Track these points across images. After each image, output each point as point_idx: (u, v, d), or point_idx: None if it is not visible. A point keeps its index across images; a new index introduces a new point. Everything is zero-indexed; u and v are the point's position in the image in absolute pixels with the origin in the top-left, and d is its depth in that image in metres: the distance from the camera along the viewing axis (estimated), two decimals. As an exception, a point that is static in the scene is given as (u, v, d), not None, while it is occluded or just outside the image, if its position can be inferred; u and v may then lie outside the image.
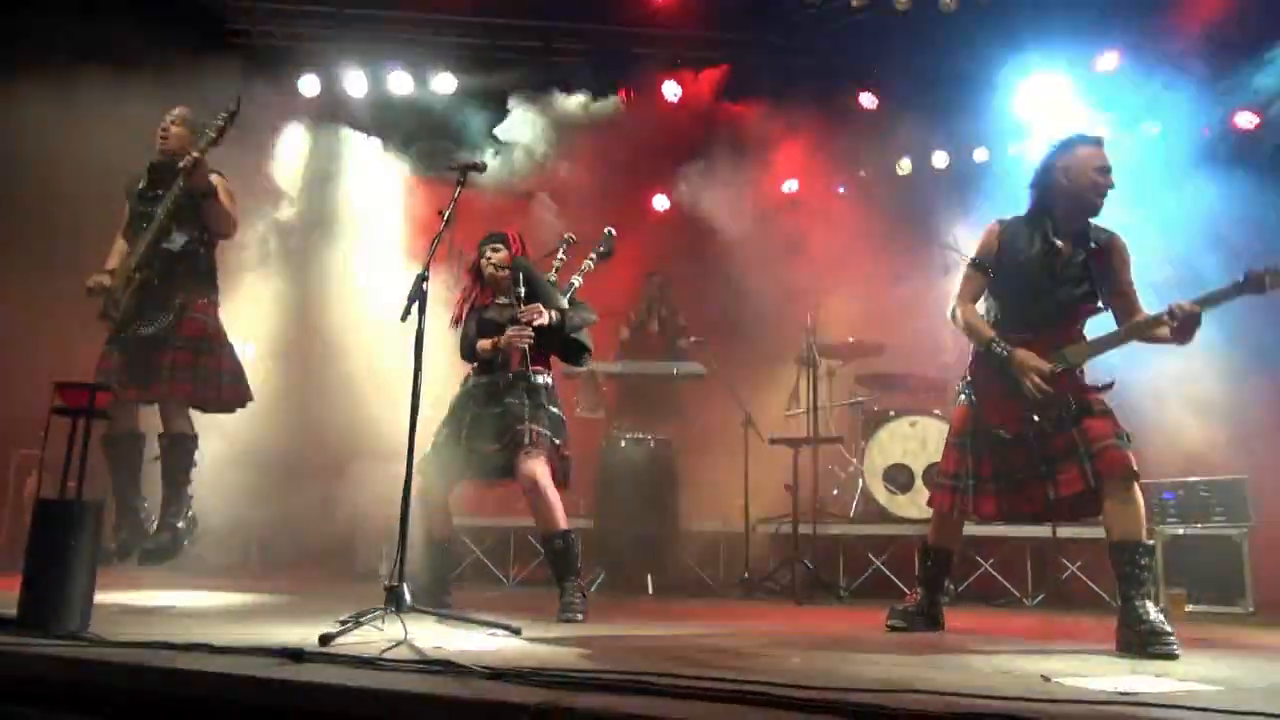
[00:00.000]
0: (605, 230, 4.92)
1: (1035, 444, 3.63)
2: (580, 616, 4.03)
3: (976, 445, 3.77)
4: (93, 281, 4.46)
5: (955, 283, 3.93)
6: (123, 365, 4.35)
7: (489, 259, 4.55)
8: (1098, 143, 3.74)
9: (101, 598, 3.18)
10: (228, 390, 4.53)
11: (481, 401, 4.38)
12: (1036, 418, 3.59)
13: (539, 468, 4.17)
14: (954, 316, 3.86)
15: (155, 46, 6.58)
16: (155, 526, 4.41)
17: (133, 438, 4.47)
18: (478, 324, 4.50)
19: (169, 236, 4.37)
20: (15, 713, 2.39)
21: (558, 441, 4.32)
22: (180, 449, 4.44)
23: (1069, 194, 3.69)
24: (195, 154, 4.26)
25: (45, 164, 6.23)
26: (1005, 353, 3.64)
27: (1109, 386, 3.67)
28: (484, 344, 4.41)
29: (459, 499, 6.51)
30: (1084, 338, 3.72)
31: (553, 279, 4.72)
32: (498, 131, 7.98)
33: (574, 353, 4.54)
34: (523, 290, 4.36)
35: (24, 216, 6.33)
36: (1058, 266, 3.68)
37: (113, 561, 4.26)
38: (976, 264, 3.83)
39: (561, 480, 4.35)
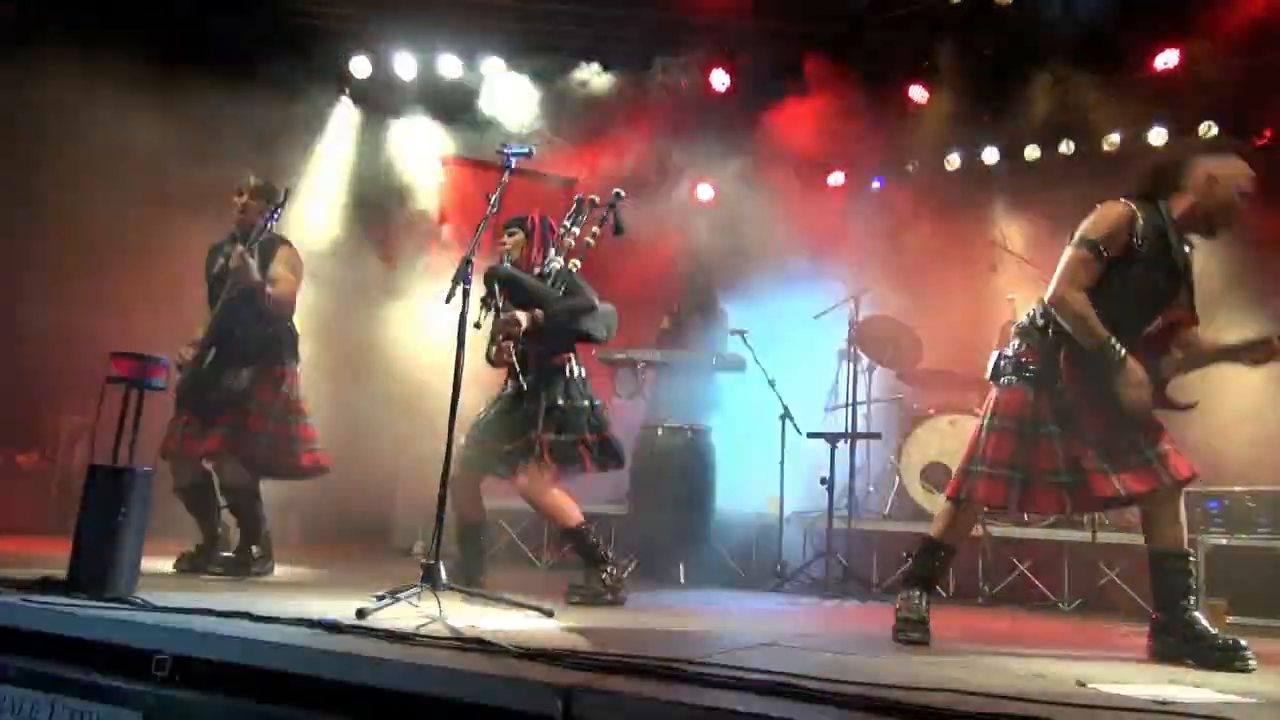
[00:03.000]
0: (613, 192, 4.67)
1: (1103, 438, 3.36)
2: (577, 599, 4.11)
3: (1037, 434, 3.41)
4: (178, 354, 4.62)
5: (1065, 264, 3.37)
6: (187, 424, 4.53)
7: (504, 245, 4.54)
8: (1251, 157, 3.40)
9: (148, 564, 3.26)
10: (302, 456, 4.68)
11: (504, 403, 4.45)
12: (1119, 429, 3.34)
13: (528, 482, 4.25)
14: (1061, 302, 3.32)
15: (210, 27, 6.69)
16: (234, 548, 4.61)
17: (200, 483, 4.64)
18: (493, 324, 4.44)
19: (236, 322, 4.54)
20: (63, 672, 2.46)
21: (573, 436, 4.31)
22: (243, 499, 4.60)
23: (1203, 204, 3.34)
24: (236, 257, 4.40)
25: (99, 143, 6.36)
26: (1120, 359, 3.26)
27: (1191, 406, 3.42)
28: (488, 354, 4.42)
29: (493, 483, 6.61)
30: (1171, 350, 3.47)
31: (570, 243, 4.61)
32: (543, 116, 8.00)
33: (579, 341, 4.49)
34: (500, 301, 4.28)
35: (83, 194, 6.46)
36: (1177, 268, 3.35)
37: (184, 567, 4.43)
38: (1100, 251, 3.30)
39: (596, 463, 4.38)
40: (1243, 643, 3.14)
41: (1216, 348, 3.45)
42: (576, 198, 4.78)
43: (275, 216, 4.50)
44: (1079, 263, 3.33)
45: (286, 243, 4.73)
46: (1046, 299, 3.40)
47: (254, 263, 4.47)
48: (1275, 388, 5.95)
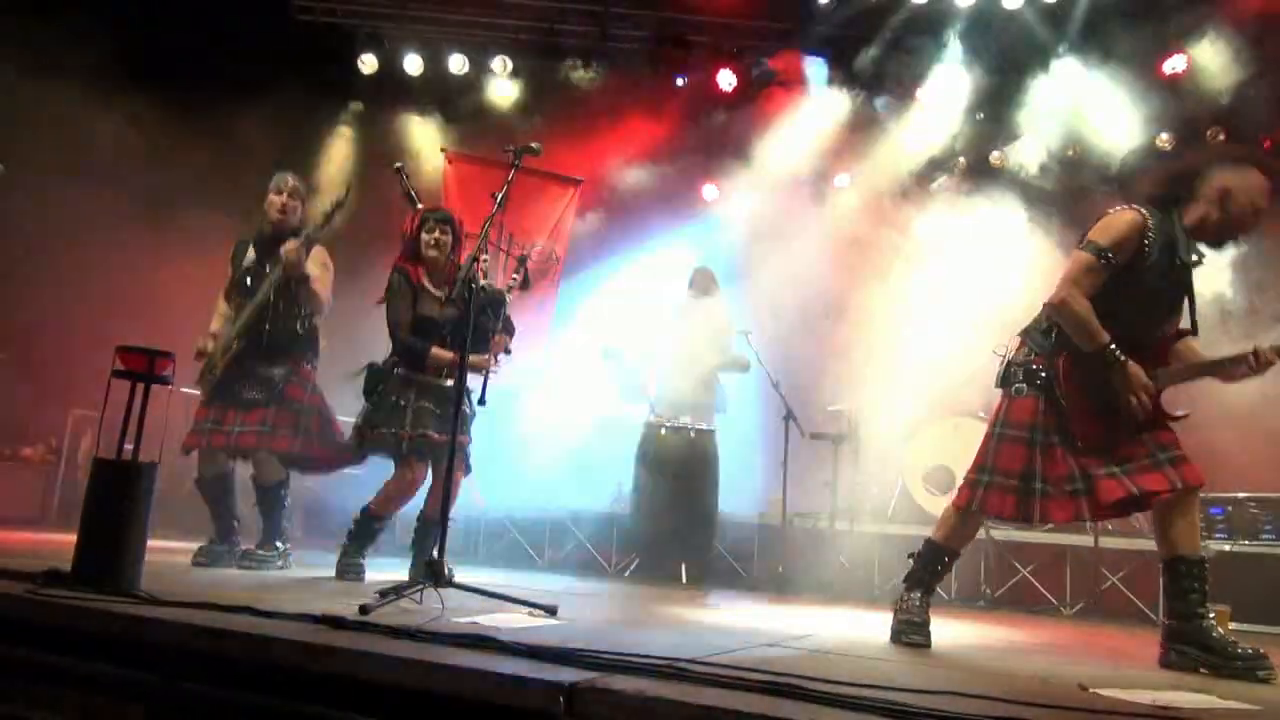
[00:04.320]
0: (519, 255, 4.76)
1: (1113, 444, 3.33)
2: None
3: (1048, 442, 3.36)
4: (197, 345, 4.69)
5: (1070, 267, 3.32)
6: (218, 420, 4.60)
7: (435, 239, 4.47)
8: (1272, 171, 3.30)
9: (152, 558, 3.27)
10: (329, 449, 4.77)
11: (428, 396, 4.41)
12: (1115, 438, 3.31)
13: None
14: (1063, 305, 3.27)
15: (222, 26, 6.72)
16: (256, 544, 4.67)
17: (221, 477, 4.71)
18: (414, 316, 4.40)
19: (276, 318, 4.62)
20: (68, 665, 2.47)
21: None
22: (270, 496, 4.69)
23: (1215, 216, 3.27)
24: (292, 247, 4.50)
25: (106, 139, 6.38)
26: (1119, 363, 3.22)
27: (1184, 417, 3.41)
28: (443, 355, 4.35)
29: (495, 480, 6.62)
30: (1168, 361, 3.43)
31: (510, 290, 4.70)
32: (547, 114, 8.02)
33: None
34: (499, 325, 4.36)
35: (91, 189, 6.49)
36: (1183, 280, 3.32)
37: (203, 563, 4.49)
38: (1107, 258, 3.23)
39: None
40: (1263, 652, 3.11)
41: (1201, 362, 3.41)
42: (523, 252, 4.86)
43: (338, 210, 4.56)
44: (1084, 267, 3.27)
45: (318, 243, 4.78)
46: (1048, 301, 3.36)
47: (305, 256, 4.55)
48: (1268, 389, 5.95)
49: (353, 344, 5.09)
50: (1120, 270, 3.26)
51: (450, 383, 4.35)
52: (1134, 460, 3.32)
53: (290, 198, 4.71)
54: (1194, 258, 3.34)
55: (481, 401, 4.01)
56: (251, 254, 4.76)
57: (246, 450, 4.61)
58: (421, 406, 4.36)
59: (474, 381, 4.15)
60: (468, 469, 4.59)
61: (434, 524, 4.41)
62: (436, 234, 4.49)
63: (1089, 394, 3.31)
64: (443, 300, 4.41)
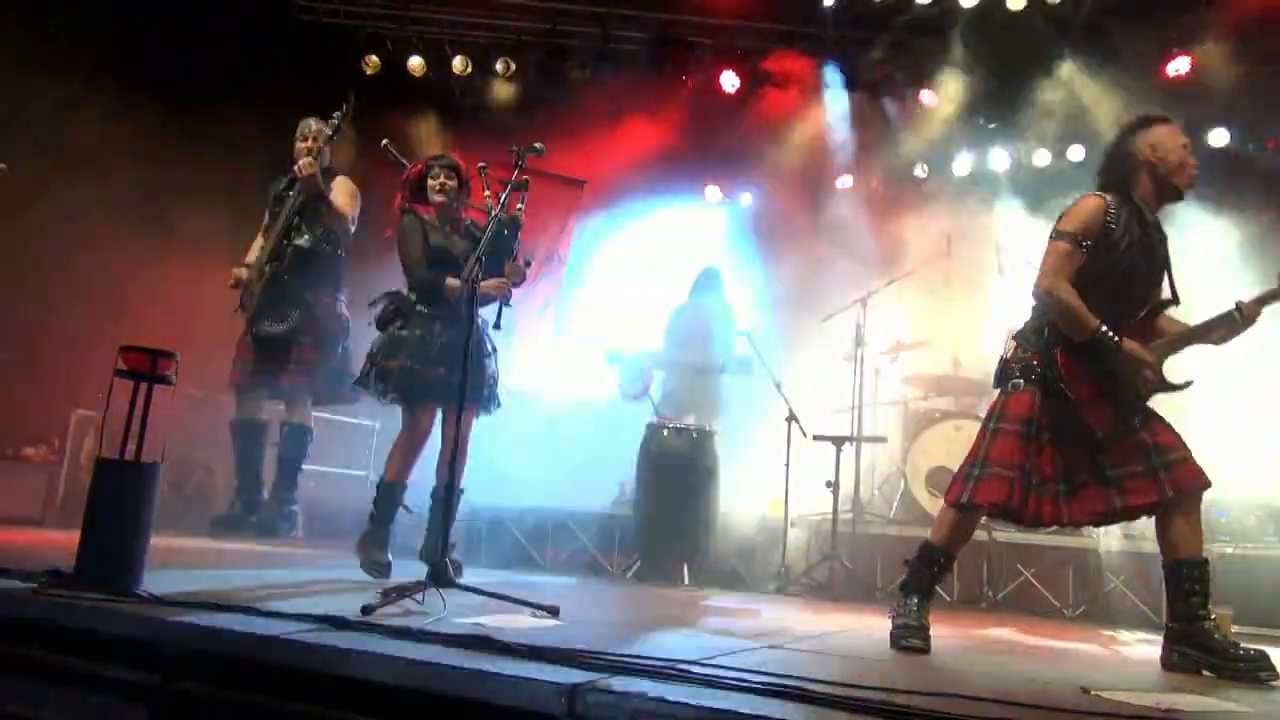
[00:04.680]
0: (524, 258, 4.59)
1: (1107, 445, 3.34)
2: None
3: (1040, 439, 3.39)
4: (233, 275, 4.90)
5: (1047, 257, 3.40)
6: (254, 357, 4.77)
7: (441, 184, 4.45)
8: (1171, 122, 3.48)
9: (155, 558, 3.27)
10: (337, 386, 4.87)
11: (443, 329, 4.31)
12: (1133, 420, 3.32)
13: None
14: (1048, 294, 3.34)
15: (223, 25, 6.72)
16: (265, 505, 4.69)
17: (255, 424, 4.85)
18: (424, 247, 4.36)
19: (299, 235, 4.80)
20: (70, 665, 2.47)
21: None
22: (295, 439, 4.71)
23: (1156, 175, 3.41)
24: (306, 162, 4.76)
25: (108, 138, 6.39)
26: (1114, 343, 3.25)
27: (1188, 385, 3.40)
28: (454, 283, 4.24)
29: (498, 480, 6.62)
30: (1158, 334, 3.46)
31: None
32: (549, 116, 8.01)
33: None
34: (516, 245, 4.27)
35: (94, 187, 6.50)
36: (1155, 253, 3.42)
37: (222, 528, 4.51)
38: (1079, 241, 3.33)
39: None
40: (1266, 653, 3.11)
41: (1187, 330, 3.44)
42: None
43: (339, 120, 4.87)
44: (1061, 254, 3.36)
45: (343, 175, 5.04)
46: (1033, 292, 3.42)
47: (319, 175, 4.77)
48: (1271, 392, 5.98)
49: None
50: (1094, 252, 3.34)
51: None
52: (1129, 465, 3.32)
53: (314, 141, 4.97)
54: (1162, 230, 3.44)
55: (496, 326, 4.00)
56: (281, 187, 5.01)
57: (279, 389, 4.69)
58: (443, 343, 4.28)
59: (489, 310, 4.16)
60: (495, 406, 4.51)
61: (399, 487, 4.38)
62: (442, 179, 4.48)
63: (1095, 381, 3.32)
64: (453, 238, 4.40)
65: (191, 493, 6.46)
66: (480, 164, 4.53)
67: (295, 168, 4.73)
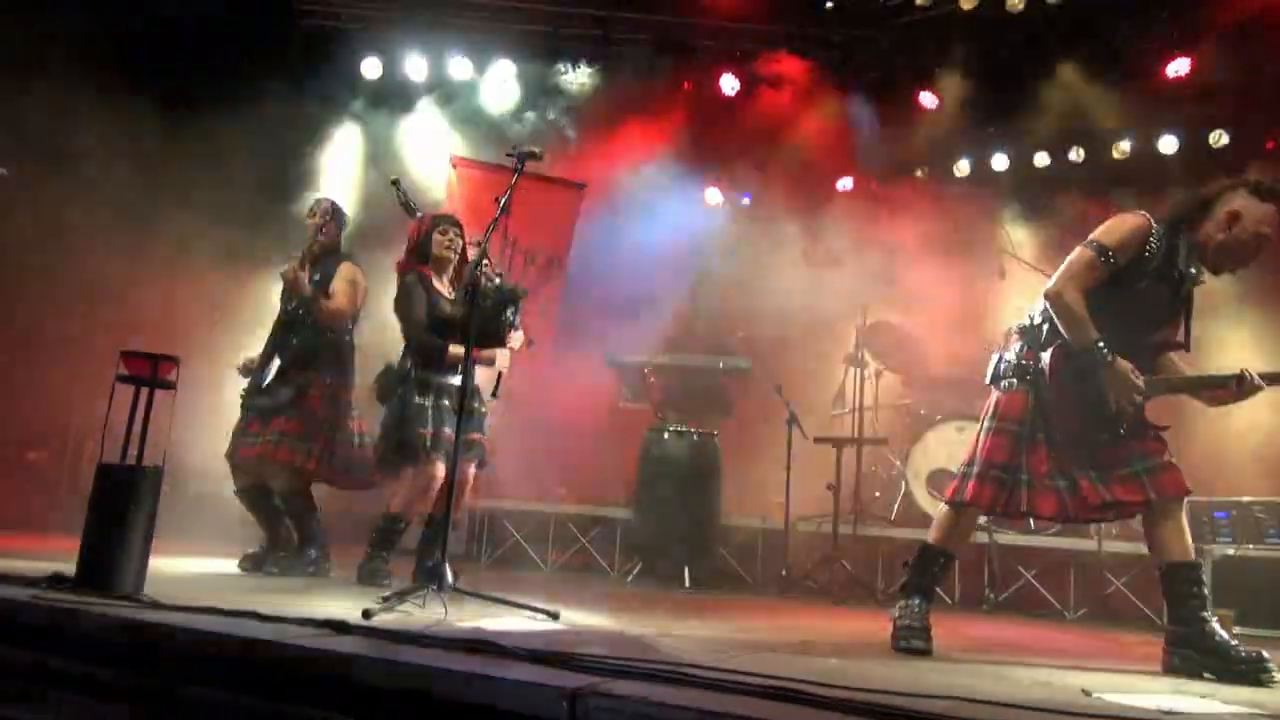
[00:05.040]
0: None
1: (1095, 448, 3.36)
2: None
3: (1033, 438, 3.41)
4: (241, 364, 5.00)
5: (1070, 262, 3.34)
6: (248, 429, 4.78)
7: (449, 240, 4.58)
8: (1273, 198, 3.31)
9: (155, 562, 3.28)
10: (338, 469, 4.86)
11: (446, 395, 4.46)
12: (1117, 428, 3.32)
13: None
14: (1058, 296, 3.30)
15: (222, 25, 6.74)
16: (291, 551, 4.79)
17: (255, 490, 4.85)
18: (429, 312, 4.44)
19: (302, 328, 4.84)
20: (71, 669, 2.48)
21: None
22: (292, 504, 4.80)
23: (1219, 238, 3.31)
24: (288, 268, 4.78)
25: (110, 147, 6.40)
26: (1106, 361, 3.24)
27: (1164, 429, 3.40)
28: (457, 351, 4.30)
29: (499, 483, 6.63)
30: (1156, 371, 3.45)
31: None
32: (549, 119, 8.02)
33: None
34: (515, 318, 4.30)
35: (95, 193, 6.52)
36: (1179, 294, 3.37)
37: (247, 567, 4.63)
38: (1109, 256, 3.27)
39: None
40: (1266, 655, 3.11)
41: (1186, 377, 3.44)
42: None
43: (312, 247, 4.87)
44: (1085, 263, 3.31)
45: (351, 260, 4.99)
46: (1044, 291, 3.40)
47: (305, 276, 4.76)
48: (1272, 394, 5.96)
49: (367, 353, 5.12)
50: (1119, 272, 3.30)
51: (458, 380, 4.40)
52: (1113, 468, 3.35)
53: (321, 218, 4.95)
54: (1194, 271, 3.37)
55: (494, 395, 4.17)
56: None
57: (260, 459, 4.70)
58: (440, 405, 4.41)
59: (487, 378, 4.28)
60: (483, 464, 4.67)
61: (403, 522, 4.48)
62: (451, 235, 4.61)
63: (1074, 390, 3.34)
64: (454, 301, 4.50)
65: (194, 496, 6.48)
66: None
67: (281, 272, 4.80)
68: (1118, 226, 3.34)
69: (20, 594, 2.77)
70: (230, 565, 4.66)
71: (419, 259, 4.58)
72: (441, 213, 4.88)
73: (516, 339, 4.51)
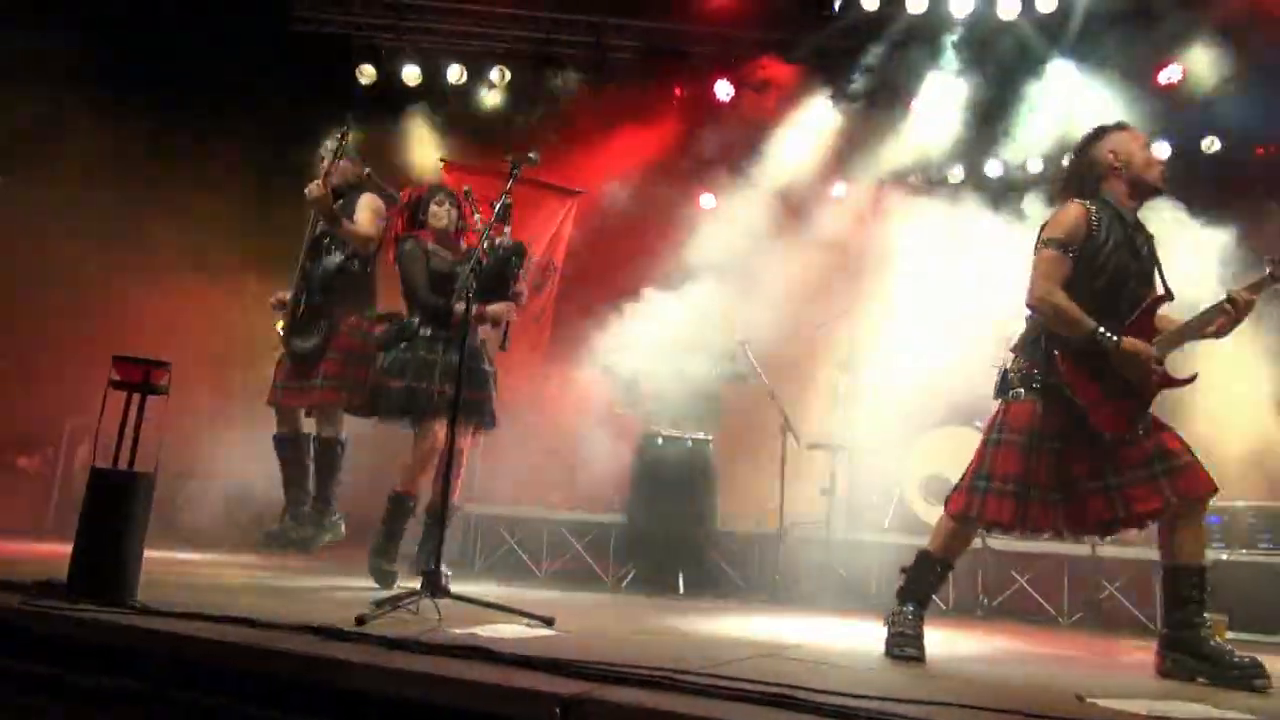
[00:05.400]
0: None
1: (1110, 451, 3.34)
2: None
3: (1041, 449, 3.38)
4: (274, 298, 5.08)
5: (1037, 266, 3.43)
6: (289, 374, 4.87)
7: (445, 209, 4.65)
8: (1128, 128, 3.60)
9: (150, 566, 3.26)
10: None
11: (447, 349, 4.43)
12: (1139, 421, 3.33)
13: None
14: (1040, 301, 3.36)
15: (218, 33, 6.73)
16: (308, 518, 4.83)
17: (296, 438, 4.94)
18: (428, 270, 4.52)
19: (327, 254, 4.91)
20: (63, 676, 2.46)
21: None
22: (329, 453, 4.87)
23: (1126, 178, 3.48)
24: (312, 186, 4.76)
25: (105, 149, 6.39)
26: (1113, 342, 3.26)
27: (1193, 378, 3.43)
28: (459, 306, 4.27)
29: (493, 490, 6.62)
30: (1156, 331, 3.46)
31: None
32: (544, 125, 8.03)
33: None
34: (523, 273, 4.59)
35: (85, 196, 6.51)
36: (1142, 251, 3.47)
37: (270, 543, 4.71)
38: (1065, 248, 3.37)
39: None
40: (1260, 661, 3.11)
41: (1184, 326, 3.46)
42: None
43: (338, 141, 4.86)
44: (1049, 261, 3.40)
45: (372, 195, 5.03)
46: (1027, 302, 3.44)
47: (330, 197, 4.78)
48: (1266, 397, 6.03)
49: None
50: (1082, 256, 3.38)
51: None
52: (1133, 472, 3.32)
53: (325, 161, 4.98)
54: (1137, 222, 3.51)
55: (503, 347, 4.31)
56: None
57: (309, 404, 4.81)
58: (449, 360, 4.38)
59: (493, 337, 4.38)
60: (492, 422, 4.63)
61: (411, 500, 4.45)
62: (447, 205, 4.69)
63: (1099, 382, 3.33)
64: (456, 261, 4.56)
65: (188, 500, 6.46)
66: (465, 187, 4.77)
67: (305, 190, 4.80)
68: (1061, 219, 3.45)
69: (10, 601, 2.75)
70: (226, 569, 4.65)
71: (412, 225, 4.67)
72: (438, 184, 4.96)
73: (521, 294, 4.67)
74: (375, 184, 5.07)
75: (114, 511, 3.11)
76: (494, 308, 4.49)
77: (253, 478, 5.85)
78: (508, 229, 4.46)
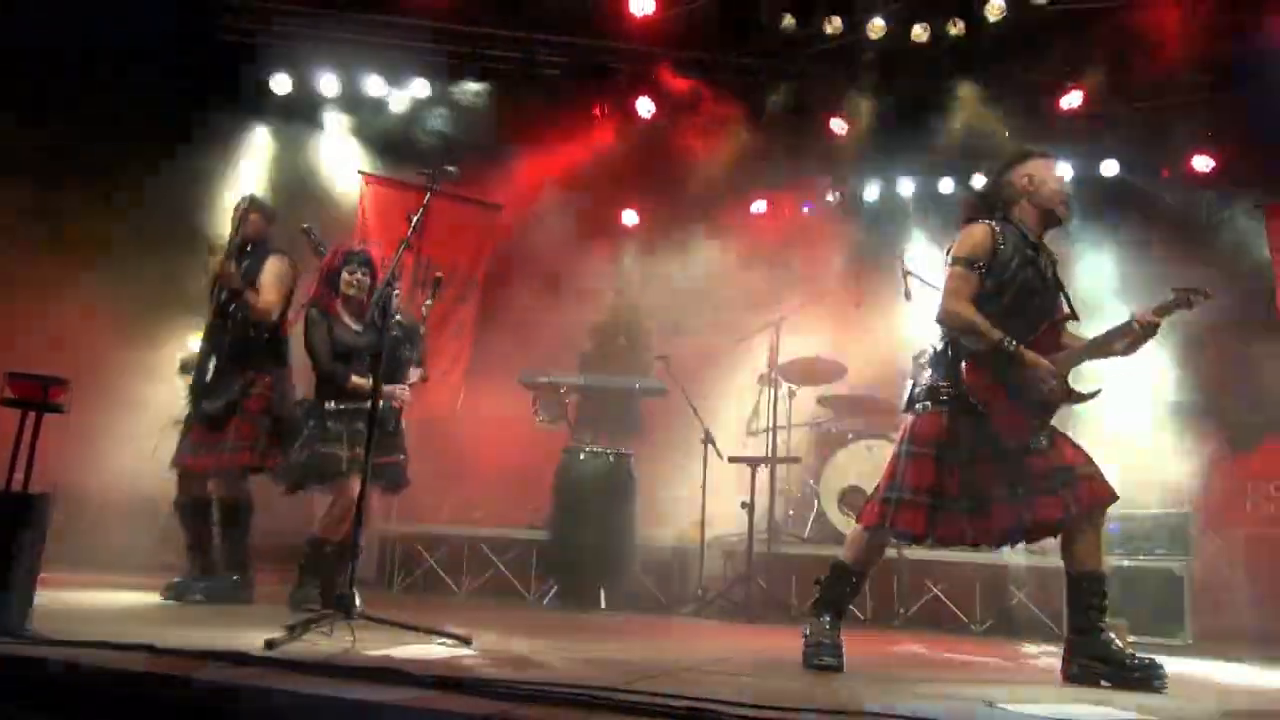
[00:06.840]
0: (434, 277, 5.01)
1: (1015, 462, 3.45)
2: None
3: (948, 460, 3.47)
4: (181, 358, 4.96)
5: (946, 283, 3.56)
6: (198, 436, 4.66)
7: (356, 279, 4.68)
8: (1049, 156, 3.75)
9: (53, 593, 3.12)
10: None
11: (360, 419, 4.46)
12: (1040, 430, 3.46)
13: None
14: (949, 315, 3.49)
15: (131, 36, 6.51)
16: (218, 574, 4.63)
17: (198, 505, 4.70)
18: (331, 340, 4.60)
19: (234, 320, 4.72)
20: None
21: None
22: (235, 515, 4.66)
23: (1035, 203, 3.63)
24: (217, 260, 4.71)
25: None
26: (1015, 351, 3.38)
27: (1096, 393, 3.56)
28: (361, 383, 4.50)
29: (412, 507, 6.51)
30: (1062, 349, 3.60)
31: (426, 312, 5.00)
32: (466, 138, 7.96)
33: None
34: (416, 356, 4.82)
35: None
36: (1046, 272, 3.60)
37: (170, 596, 4.44)
38: (972, 264, 3.50)
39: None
40: (1158, 662, 3.25)
41: (1088, 343, 3.60)
42: (435, 277, 5.03)
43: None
44: (957, 278, 3.52)
45: (279, 254, 4.87)
46: (936, 317, 3.55)
47: (232, 267, 4.68)
48: (1162, 411, 6.32)
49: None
50: (988, 273, 3.52)
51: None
52: (1037, 482, 3.43)
53: (253, 213, 4.87)
54: (1041, 244, 3.64)
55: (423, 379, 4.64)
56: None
57: (217, 468, 4.60)
58: (355, 429, 4.49)
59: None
60: (405, 483, 4.80)
61: (329, 545, 4.50)
62: (359, 275, 4.71)
63: (1001, 390, 3.43)
64: (358, 331, 4.65)
65: (90, 524, 6.19)
66: (437, 274, 4.97)
67: (211, 265, 4.75)
68: (967, 238, 3.58)
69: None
70: (133, 595, 4.47)
71: (326, 290, 4.69)
72: (355, 249, 4.87)
73: (415, 374, 4.83)
74: (314, 241, 4.95)
75: (6, 535, 2.95)
76: (389, 388, 4.53)
77: (156, 496, 5.63)
78: (429, 303, 4.84)
